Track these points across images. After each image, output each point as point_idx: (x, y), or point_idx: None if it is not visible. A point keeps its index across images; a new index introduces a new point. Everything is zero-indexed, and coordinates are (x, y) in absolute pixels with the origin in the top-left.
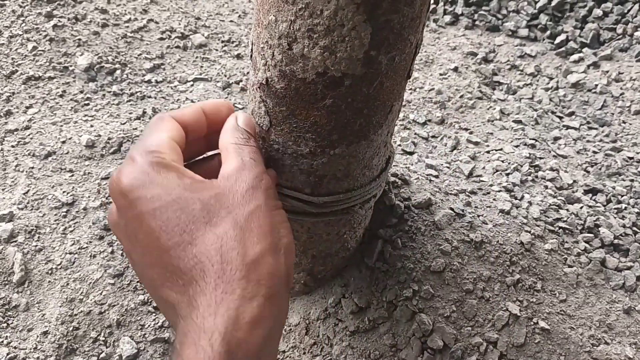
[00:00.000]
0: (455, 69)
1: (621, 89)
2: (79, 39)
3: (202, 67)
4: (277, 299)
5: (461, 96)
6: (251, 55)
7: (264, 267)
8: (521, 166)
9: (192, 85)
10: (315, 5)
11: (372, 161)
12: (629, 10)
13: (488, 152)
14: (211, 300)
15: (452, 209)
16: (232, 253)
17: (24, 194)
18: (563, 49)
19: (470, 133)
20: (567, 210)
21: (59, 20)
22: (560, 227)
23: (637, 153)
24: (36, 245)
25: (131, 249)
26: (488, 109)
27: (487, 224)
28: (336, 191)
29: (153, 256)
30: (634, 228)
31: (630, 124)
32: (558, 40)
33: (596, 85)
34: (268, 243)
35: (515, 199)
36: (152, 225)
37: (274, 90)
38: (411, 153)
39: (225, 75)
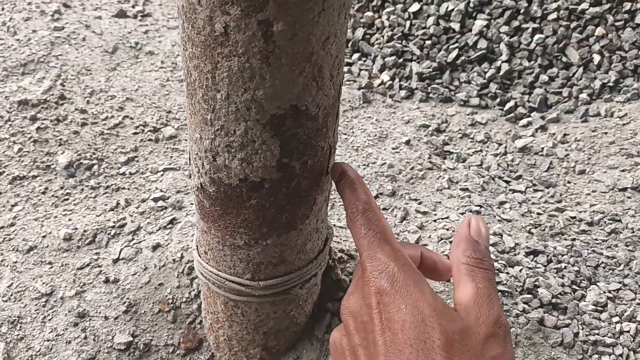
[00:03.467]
0: (408, 142)
1: (566, 150)
2: (60, 139)
3: (171, 157)
4: None
5: (412, 168)
6: (189, 163)
7: None
8: None
9: (162, 174)
10: (229, 126)
11: (306, 246)
12: (573, 74)
13: (435, 220)
14: None
15: None
16: None
17: (8, 286)
18: (512, 114)
19: (420, 203)
20: (507, 273)
21: (42, 123)
22: (499, 291)
23: (580, 212)
24: (18, 335)
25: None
26: (437, 178)
27: None
28: (275, 275)
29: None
30: (573, 286)
31: (575, 184)
32: (507, 106)
33: (542, 148)
34: None
35: None
36: (399, 337)
37: (208, 193)
38: None
39: None
